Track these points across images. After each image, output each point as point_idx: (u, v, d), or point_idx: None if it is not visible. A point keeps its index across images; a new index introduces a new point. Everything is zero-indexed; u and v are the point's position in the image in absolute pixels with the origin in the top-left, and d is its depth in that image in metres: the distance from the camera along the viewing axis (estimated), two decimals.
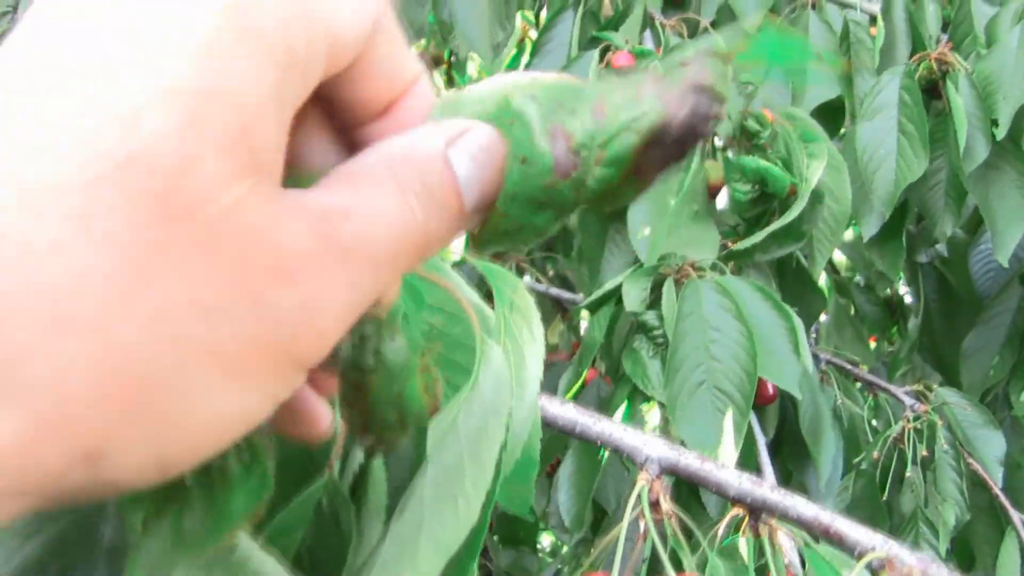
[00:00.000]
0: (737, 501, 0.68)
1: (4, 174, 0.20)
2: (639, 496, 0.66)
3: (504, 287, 0.45)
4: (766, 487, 0.68)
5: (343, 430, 0.33)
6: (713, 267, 1.20)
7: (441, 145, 0.26)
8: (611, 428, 0.74)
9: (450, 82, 2.25)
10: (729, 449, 1.03)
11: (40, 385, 0.20)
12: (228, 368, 0.22)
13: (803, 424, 1.22)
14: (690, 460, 0.69)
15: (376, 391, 0.28)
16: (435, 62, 2.15)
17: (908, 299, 2.00)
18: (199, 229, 0.21)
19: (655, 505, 0.66)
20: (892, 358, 1.83)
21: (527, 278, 1.83)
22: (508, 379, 0.39)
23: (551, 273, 2.02)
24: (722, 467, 0.69)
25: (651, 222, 1.19)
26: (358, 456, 0.39)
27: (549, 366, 1.69)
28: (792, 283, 1.42)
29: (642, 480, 0.67)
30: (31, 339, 0.19)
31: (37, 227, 0.20)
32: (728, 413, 1.07)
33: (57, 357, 0.20)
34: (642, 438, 0.72)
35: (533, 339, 0.44)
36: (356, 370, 0.28)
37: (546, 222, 0.28)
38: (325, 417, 0.30)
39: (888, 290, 1.99)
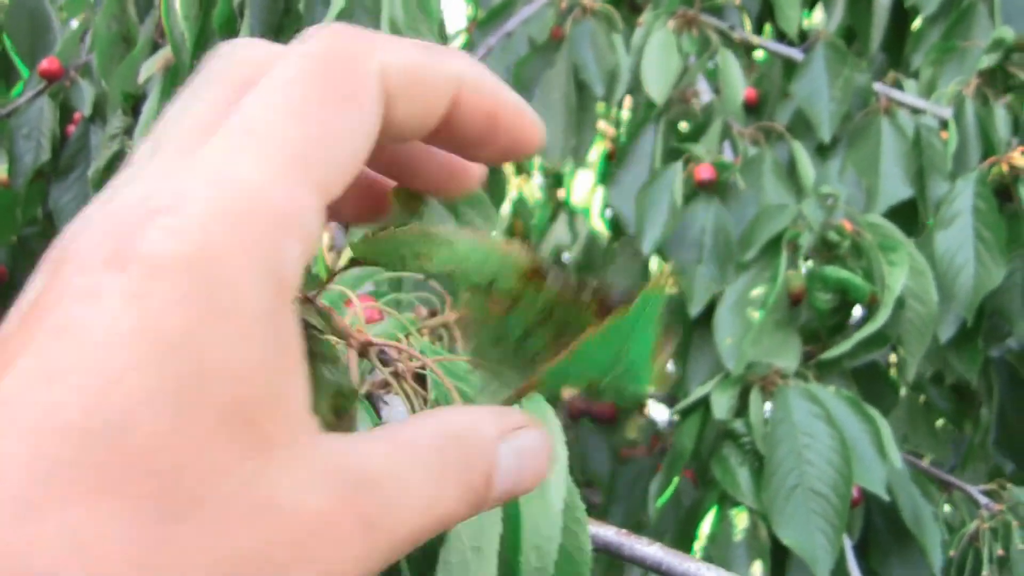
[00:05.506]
0: None
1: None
2: None
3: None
4: None
5: None
6: (797, 374, 1.23)
7: (494, 435, 0.27)
8: (696, 567, 0.77)
9: (519, 169, 2.31)
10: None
11: None
12: None
13: (907, 519, 1.24)
14: None
15: None
16: None
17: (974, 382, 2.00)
18: (210, 516, 0.21)
19: None
20: (967, 452, 1.84)
21: None
22: None
23: None
24: None
25: (734, 333, 1.22)
26: None
27: (627, 461, 1.73)
28: (868, 381, 1.44)
29: None
30: None
31: (33, 544, 0.19)
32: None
33: None
34: None
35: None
36: None
37: None
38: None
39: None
